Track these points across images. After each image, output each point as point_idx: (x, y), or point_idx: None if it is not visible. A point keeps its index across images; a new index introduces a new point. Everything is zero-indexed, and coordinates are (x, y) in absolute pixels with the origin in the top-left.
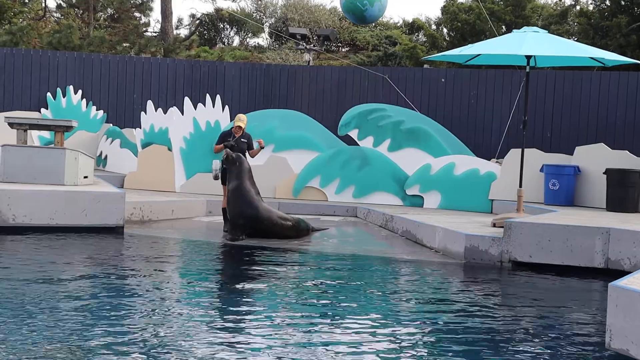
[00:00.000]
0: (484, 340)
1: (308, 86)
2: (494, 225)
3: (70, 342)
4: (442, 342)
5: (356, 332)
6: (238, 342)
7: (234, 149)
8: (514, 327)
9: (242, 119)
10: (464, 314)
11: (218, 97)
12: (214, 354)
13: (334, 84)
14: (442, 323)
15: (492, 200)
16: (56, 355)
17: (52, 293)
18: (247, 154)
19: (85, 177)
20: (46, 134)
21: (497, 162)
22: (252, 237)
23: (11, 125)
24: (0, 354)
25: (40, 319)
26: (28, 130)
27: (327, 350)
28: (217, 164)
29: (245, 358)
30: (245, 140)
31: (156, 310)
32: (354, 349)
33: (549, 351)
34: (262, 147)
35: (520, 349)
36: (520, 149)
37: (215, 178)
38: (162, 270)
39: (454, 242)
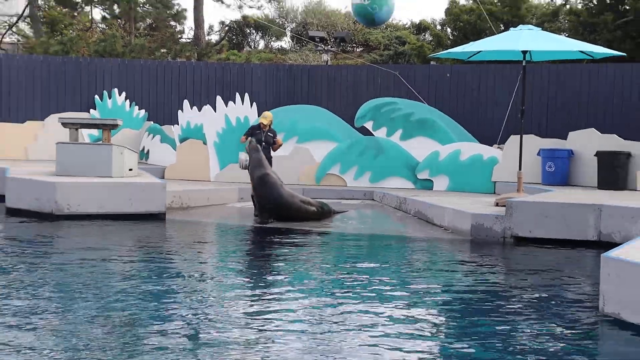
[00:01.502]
0: (490, 306)
1: (327, 84)
2: (497, 205)
3: (116, 317)
4: (452, 310)
5: (375, 302)
6: (270, 320)
7: (259, 143)
8: (516, 294)
9: (266, 116)
10: (472, 284)
11: (246, 95)
12: (249, 333)
13: (350, 81)
14: (452, 293)
15: (495, 182)
16: (104, 329)
17: (102, 273)
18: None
19: (130, 169)
20: (95, 132)
21: (498, 147)
22: (280, 220)
23: (64, 125)
24: (55, 329)
25: (91, 296)
26: (79, 129)
27: (354, 316)
28: (244, 154)
29: (277, 336)
30: (272, 135)
31: (196, 290)
32: (374, 317)
33: (547, 315)
34: (279, 145)
35: (521, 313)
36: (519, 135)
37: (244, 167)
38: (201, 252)
39: (462, 221)
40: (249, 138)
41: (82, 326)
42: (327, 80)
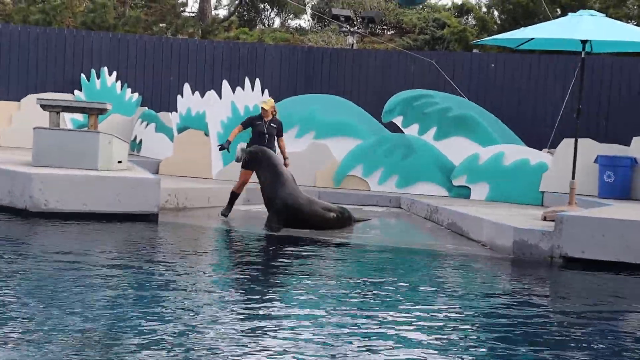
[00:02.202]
0: (532, 340)
1: (351, 70)
2: (545, 219)
3: (98, 330)
4: (487, 341)
5: (396, 328)
6: (271, 339)
7: (266, 136)
8: (564, 327)
9: (266, 101)
10: (511, 312)
11: (257, 80)
12: (243, 353)
13: (379, 69)
14: (487, 321)
15: (543, 192)
16: (85, 343)
17: (82, 281)
18: (276, 141)
19: (119, 162)
20: (79, 117)
21: (549, 152)
22: (293, 227)
23: (43, 107)
24: (32, 342)
25: (70, 307)
26: (61, 113)
27: (364, 346)
28: (242, 144)
29: (279, 356)
30: (275, 126)
31: (187, 306)
32: (392, 345)
33: (601, 351)
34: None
35: (569, 346)
36: (573, 139)
37: (238, 161)
38: (197, 262)
39: (502, 236)
40: (241, 150)
41: (58, 342)
42: (352, 67)
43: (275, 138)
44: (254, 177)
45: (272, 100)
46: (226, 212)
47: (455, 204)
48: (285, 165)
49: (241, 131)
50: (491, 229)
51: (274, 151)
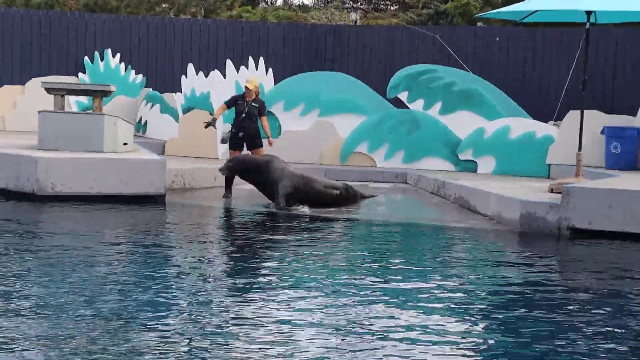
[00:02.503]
0: (541, 312)
1: (355, 47)
2: (552, 191)
3: (104, 311)
4: (497, 314)
5: (404, 303)
6: (282, 315)
7: (243, 116)
8: (573, 298)
9: (250, 81)
10: (520, 285)
11: (261, 59)
12: (252, 327)
13: (383, 45)
14: (496, 295)
15: (550, 164)
16: (93, 325)
17: (89, 265)
18: (259, 121)
19: (125, 143)
20: (84, 100)
21: (554, 124)
22: (301, 203)
23: (48, 90)
24: (38, 324)
25: (77, 291)
26: (65, 96)
27: (372, 321)
28: (226, 127)
29: (290, 333)
30: (257, 106)
31: (197, 288)
32: (400, 321)
33: (609, 326)
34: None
35: (578, 322)
36: (579, 111)
37: (223, 142)
38: (205, 243)
39: (509, 209)
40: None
41: (64, 326)
42: (356, 44)
43: (257, 118)
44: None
45: (257, 80)
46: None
47: (462, 178)
48: (269, 143)
49: (225, 110)
50: (498, 203)
51: (255, 129)
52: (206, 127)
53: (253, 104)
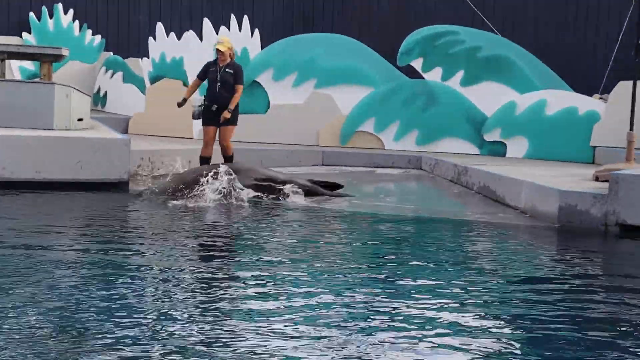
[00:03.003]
0: (581, 326)
1: (359, 4)
2: (597, 179)
3: (58, 319)
4: (526, 329)
5: (417, 313)
6: (272, 322)
7: (217, 84)
8: (621, 308)
9: (222, 41)
10: (557, 293)
11: (246, 17)
12: (243, 332)
13: (392, 2)
14: (528, 304)
15: (594, 147)
16: (50, 335)
17: (37, 266)
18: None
19: (80, 119)
20: (29, 65)
21: (601, 98)
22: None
23: None
24: None
25: (22, 300)
26: (6, 60)
27: (379, 333)
28: (199, 99)
29: (285, 340)
30: (231, 72)
31: (159, 288)
32: (411, 331)
33: None
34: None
35: (626, 338)
36: (631, 82)
37: (195, 118)
38: (174, 240)
39: (545, 201)
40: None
41: (11, 341)
42: (360, 0)
43: (232, 86)
44: (246, 137)
45: (229, 40)
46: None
47: (488, 163)
48: (223, 117)
49: (200, 84)
50: (532, 193)
51: (226, 99)
52: (179, 106)
53: (227, 69)
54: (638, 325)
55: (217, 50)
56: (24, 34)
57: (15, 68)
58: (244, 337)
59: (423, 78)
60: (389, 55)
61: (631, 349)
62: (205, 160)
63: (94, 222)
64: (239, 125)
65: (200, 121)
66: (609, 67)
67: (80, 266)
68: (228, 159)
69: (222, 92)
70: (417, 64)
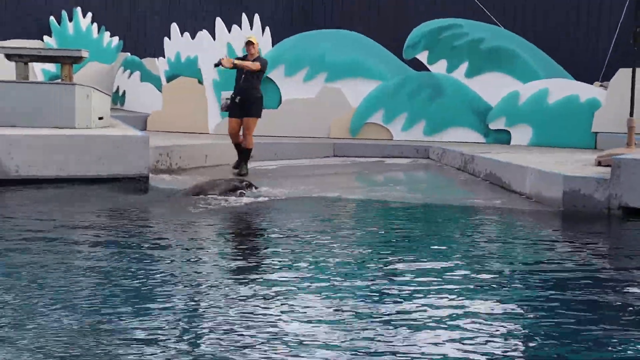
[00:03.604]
0: (587, 308)
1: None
2: (599, 164)
3: (84, 313)
4: (535, 310)
5: (426, 297)
6: (287, 313)
7: (242, 77)
8: (627, 291)
9: (251, 36)
10: (562, 275)
11: (256, 16)
12: (257, 326)
13: None
14: (534, 287)
15: (596, 133)
16: (73, 333)
17: (62, 261)
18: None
19: (100, 118)
20: (51, 67)
21: (601, 85)
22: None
23: (8, 57)
24: (10, 333)
25: (49, 296)
26: (29, 63)
27: (389, 319)
28: (226, 93)
29: (297, 328)
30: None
31: (183, 281)
32: (422, 317)
33: None
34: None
35: (631, 320)
36: (631, 69)
37: (223, 110)
38: (194, 234)
39: (550, 186)
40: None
41: (38, 335)
42: None
43: (258, 78)
44: (261, 130)
45: (256, 38)
46: (239, 169)
47: (493, 151)
48: (225, 62)
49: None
50: (536, 179)
51: (254, 95)
52: (215, 66)
53: (255, 62)
54: (631, 294)
55: (248, 42)
56: (45, 38)
57: (38, 70)
58: (263, 317)
59: (429, 70)
60: (394, 49)
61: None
62: (239, 146)
63: (117, 217)
64: None
65: (219, 120)
66: (609, 55)
67: (104, 260)
68: (245, 152)
69: (247, 85)
70: (423, 56)
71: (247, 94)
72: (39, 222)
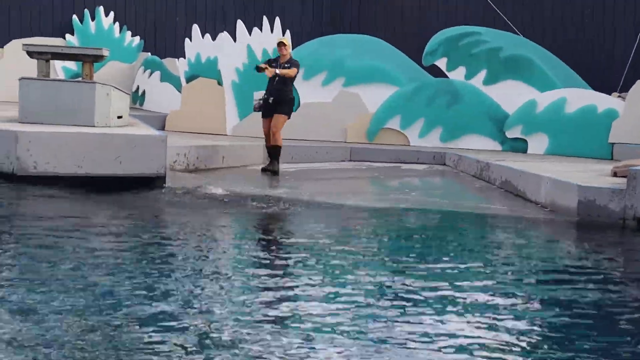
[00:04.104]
0: (599, 317)
1: (385, 5)
2: (615, 175)
3: (96, 315)
4: (546, 319)
5: (438, 304)
6: (318, 310)
7: (275, 78)
8: (637, 307)
9: (284, 37)
10: (575, 285)
11: (277, 20)
12: (275, 334)
13: (416, 3)
14: (547, 296)
15: (613, 143)
16: (80, 331)
17: (76, 256)
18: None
19: (120, 117)
20: (72, 65)
21: (619, 96)
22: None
23: (30, 54)
24: (20, 332)
25: (62, 290)
26: (50, 61)
27: (403, 322)
28: (258, 93)
29: (312, 338)
30: (289, 66)
31: (199, 284)
32: (433, 323)
33: None
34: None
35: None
36: None
37: (256, 110)
38: (211, 234)
39: (565, 195)
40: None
41: (51, 332)
42: (385, 1)
43: (292, 83)
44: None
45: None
46: (271, 166)
47: (509, 159)
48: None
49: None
50: (552, 188)
51: (286, 95)
52: (258, 71)
53: (285, 65)
54: None
55: (280, 43)
56: (67, 36)
57: (59, 68)
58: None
59: (447, 77)
60: (413, 55)
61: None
62: (269, 147)
63: (134, 215)
64: None
65: (236, 122)
66: (628, 66)
67: (119, 258)
68: (274, 151)
69: (279, 86)
70: (442, 63)
71: (280, 95)
72: (56, 217)
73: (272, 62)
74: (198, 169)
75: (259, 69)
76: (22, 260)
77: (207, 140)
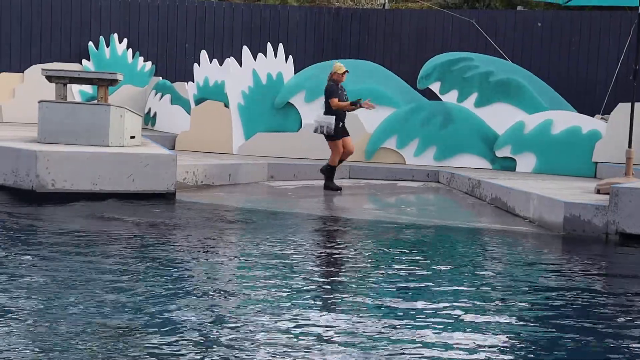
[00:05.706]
0: (583, 327)
1: (383, 33)
2: (599, 192)
3: (110, 324)
4: (534, 328)
5: (433, 313)
6: (312, 330)
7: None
8: (621, 312)
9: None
10: (561, 295)
11: (281, 46)
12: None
13: (413, 30)
14: (532, 306)
15: (597, 162)
16: (90, 339)
17: (93, 269)
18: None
19: (132, 137)
20: (88, 89)
21: (602, 118)
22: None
23: (49, 78)
24: (35, 337)
25: (81, 303)
26: (68, 85)
27: (403, 333)
28: (323, 118)
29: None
30: (345, 92)
31: (212, 295)
32: (431, 331)
33: None
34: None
35: (625, 341)
36: (629, 103)
37: (317, 132)
38: (221, 248)
39: (551, 211)
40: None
41: (67, 336)
42: (384, 29)
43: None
44: (281, 152)
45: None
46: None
47: (499, 177)
48: (367, 105)
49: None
50: (539, 204)
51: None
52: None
53: (344, 90)
54: (631, 320)
55: (345, 72)
56: (84, 61)
57: (76, 91)
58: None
59: (440, 99)
60: (409, 79)
61: (636, 348)
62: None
63: (146, 229)
64: (275, 141)
65: (242, 141)
66: (610, 90)
67: (133, 271)
68: (329, 169)
69: (343, 111)
70: (435, 87)
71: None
72: (72, 232)
73: (338, 89)
74: (206, 186)
75: (358, 105)
76: (40, 267)
77: (215, 159)
